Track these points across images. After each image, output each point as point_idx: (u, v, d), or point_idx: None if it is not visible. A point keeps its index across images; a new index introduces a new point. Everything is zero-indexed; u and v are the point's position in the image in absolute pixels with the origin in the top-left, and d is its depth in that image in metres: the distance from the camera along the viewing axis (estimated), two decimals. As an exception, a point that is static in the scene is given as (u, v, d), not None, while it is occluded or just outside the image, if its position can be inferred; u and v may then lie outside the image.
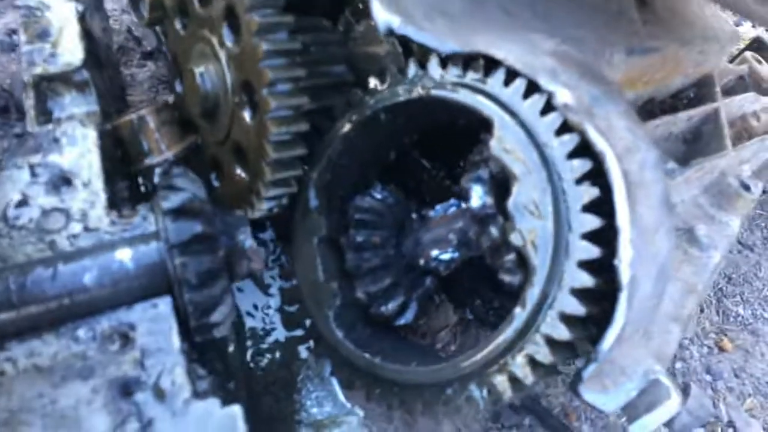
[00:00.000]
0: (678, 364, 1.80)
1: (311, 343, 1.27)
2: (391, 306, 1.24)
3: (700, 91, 1.67)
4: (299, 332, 1.28)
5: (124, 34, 1.86)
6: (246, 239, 1.01)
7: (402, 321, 1.27)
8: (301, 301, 1.29)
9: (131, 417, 0.87)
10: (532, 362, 1.00)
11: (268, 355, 1.26)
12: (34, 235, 1.01)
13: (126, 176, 1.32)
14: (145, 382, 0.90)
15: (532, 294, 0.99)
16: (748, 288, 1.99)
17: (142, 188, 1.39)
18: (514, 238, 1.01)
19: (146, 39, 1.87)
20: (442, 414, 1.07)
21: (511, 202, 1.01)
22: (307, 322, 1.27)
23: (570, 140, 0.99)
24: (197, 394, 0.90)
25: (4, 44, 1.72)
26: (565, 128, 1.00)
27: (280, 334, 1.29)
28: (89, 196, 1.06)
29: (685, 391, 1.59)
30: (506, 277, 1.11)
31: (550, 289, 0.99)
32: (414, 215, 1.33)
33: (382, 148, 1.32)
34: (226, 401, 0.89)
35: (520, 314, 1.00)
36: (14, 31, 1.75)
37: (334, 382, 1.21)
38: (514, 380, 1.02)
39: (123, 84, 1.65)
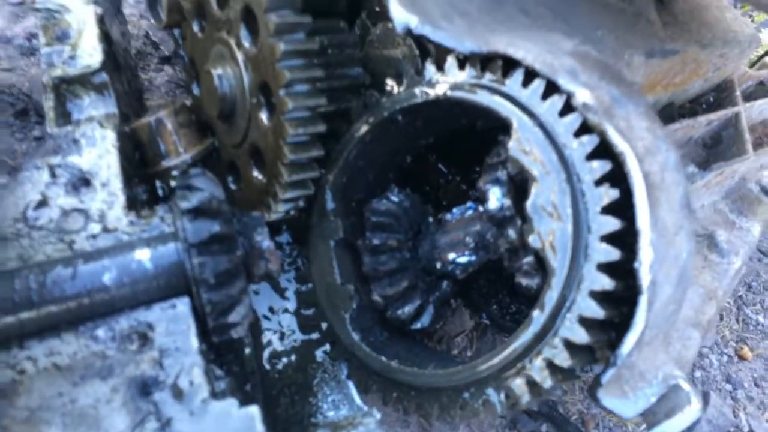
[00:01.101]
0: (697, 373, 1.77)
1: (327, 346, 1.26)
2: (408, 309, 1.23)
3: (719, 96, 1.66)
4: (315, 335, 1.28)
5: (142, 39, 1.88)
6: (263, 240, 1.01)
7: (418, 325, 1.26)
8: (317, 305, 1.28)
9: (150, 416, 0.87)
10: (551, 366, 0.99)
11: (285, 358, 1.25)
12: (54, 235, 1.02)
13: (144, 179, 1.32)
14: (164, 381, 0.90)
15: (551, 297, 0.98)
16: (768, 295, 1.96)
17: (160, 192, 1.40)
18: (533, 240, 1.00)
19: (164, 44, 1.88)
20: (459, 418, 1.06)
21: (529, 204, 1.00)
22: (324, 326, 1.26)
23: (589, 141, 0.98)
24: (215, 395, 0.90)
25: (23, 48, 1.74)
26: (584, 129, 0.99)
27: (296, 337, 1.29)
28: (108, 196, 1.07)
29: (704, 399, 1.57)
30: (524, 281, 1.10)
31: (569, 292, 0.98)
32: (430, 219, 1.33)
33: (398, 151, 1.31)
34: (243, 402, 0.89)
35: (538, 317, 0.99)
36: (34, 35, 1.78)
37: (351, 385, 1.20)
38: (533, 384, 1.01)
39: (141, 88, 1.66)
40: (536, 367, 0.99)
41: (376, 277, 1.23)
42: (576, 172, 0.98)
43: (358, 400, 1.18)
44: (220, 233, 0.93)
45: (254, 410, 0.88)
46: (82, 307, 0.92)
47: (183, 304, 0.96)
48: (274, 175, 1.15)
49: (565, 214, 0.98)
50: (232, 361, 1.12)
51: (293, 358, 1.26)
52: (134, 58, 1.76)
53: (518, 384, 1.01)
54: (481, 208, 1.23)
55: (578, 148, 0.99)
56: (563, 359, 0.98)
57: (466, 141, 1.41)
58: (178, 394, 0.89)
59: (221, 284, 0.93)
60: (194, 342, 0.93)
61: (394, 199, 1.28)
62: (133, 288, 0.94)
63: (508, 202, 1.07)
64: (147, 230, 1.02)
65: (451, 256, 1.23)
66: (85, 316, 0.93)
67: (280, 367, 1.24)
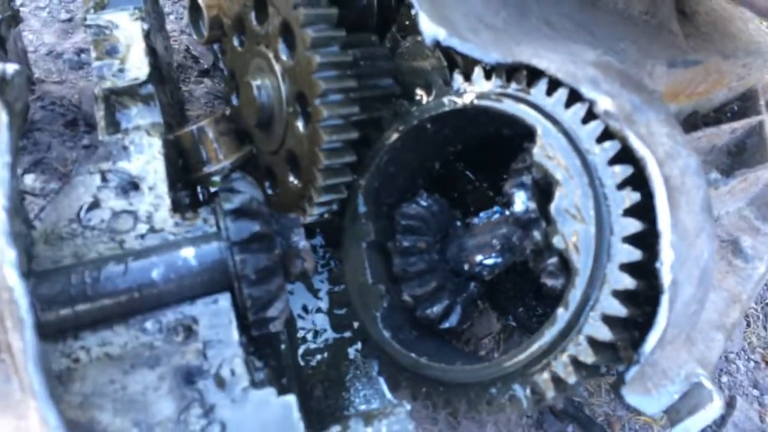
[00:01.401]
0: (724, 378, 1.78)
1: (359, 344, 1.31)
2: (437, 309, 1.28)
3: (743, 105, 1.68)
4: (347, 334, 1.33)
5: (182, 53, 1.97)
6: (300, 240, 1.07)
7: (446, 324, 1.31)
8: (349, 304, 1.34)
9: (195, 403, 0.93)
10: (575, 362, 1.02)
11: (318, 355, 1.31)
12: (106, 234, 1.09)
13: (187, 185, 1.40)
14: (207, 371, 0.96)
15: (575, 295, 1.02)
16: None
17: (201, 197, 1.48)
18: (557, 242, 1.04)
19: (203, 57, 1.97)
20: (486, 413, 1.10)
21: (553, 207, 1.04)
22: (355, 325, 1.32)
23: (611, 147, 1.02)
24: (255, 384, 0.96)
25: (72, 62, 1.84)
26: (606, 135, 1.03)
27: (329, 335, 1.34)
28: (155, 199, 1.14)
29: (731, 404, 1.59)
30: (549, 281, 1.14)
31: (592, 291, 1.01)
32: (458, 223, 1.37)
33: (427, 157, 1.37)
34: (280, 393, 0.95)
35: (562, 315, 1.03)
36: (83, 51, 1.88)
37: (381, 381, 1.25)
38: (557, 380, 1.04)
39: (182, 99, 1.75)
40: (561, 364, 1.03)
41: (405, 277, 1.28)
42: (599, 177, 1.02)
43: (388, 394, 1.23)
44: (260, 232, 1.00)
45: (291, 399, 0.93)
46: (133, 301, 0.99)
47: (224, 300, 1.02)
48: (310, 179, 1.21)
49: (588, 216, 1.02)
50: (269, 356, 1.18)
51: (326, 355, 1.32)
52: (176, 71, 1.85)
53: (544, 379, 1.04)
54: (507, 212, 1.27)
55: (601, 153, 1.03)
56: (587, 356, 1.01)
57: (493, 149, 1.45)
58: (220, 382, 0.95)
59: (261, 280, 0.99)
60: (235, 335, 0.99)
61: (424, 203, 1.33)
62: (179, 284, 1.00)
63: (532, 205, 1.12)
64: (191, 230, 1.09)
65: (479, 257, 1.27)
66: (134, 309, 0.99)
67: (313, 363, 1.30)
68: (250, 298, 0.99)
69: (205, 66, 1.95)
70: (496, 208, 1.30)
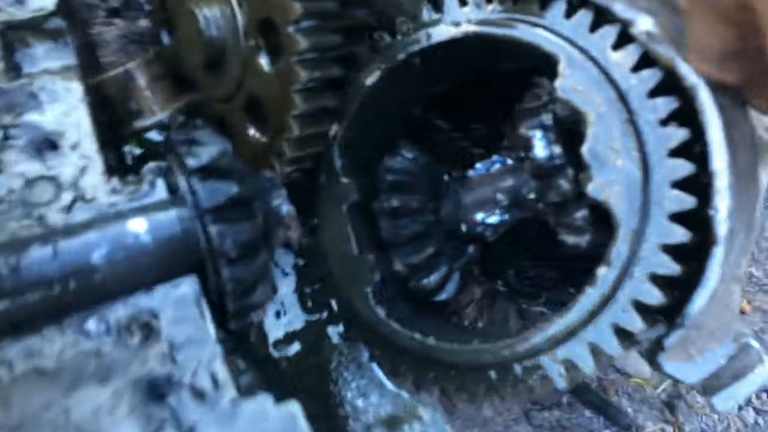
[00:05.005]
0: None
1: (341, 326, 1.11)
2: (433, 278, 1.10)
3: None
4: (325, 315, 1.12)
5: (85, -10, 1.64)
6: (282, 204, 0.85)
7: (444, 296, 1.13)
8: (324, 279, 1.13)
9: (166, 424, 0.71)
10: (618, 331, 0.88)
11: (295, 343, 1.09)
12: (18, 209, 0.83)
13: (110, 144, 1.13)
14: (179, 380, 0.74)
15: (619, 252, 0.87)
16: (756, 248, 1.93)
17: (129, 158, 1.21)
18: (592, 190, 0.88)
19: (111, -5, 1.65)
20: (510, 396, 0.93)
21: (586, 149, 0.88)
22: (334, 303, 1.10)
23: (650, 76, 0.87)
24: (241, 391, 0.74)
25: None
26: (642, 63, 0.87)
27: (302, 318, 1.13)
28: (80, 160, 0.89)
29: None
30: (570, 238, 0.99)
31: (637, 247, 0.86)
32: (445, 177, 1.19)
33: (408, 100, 1.16)
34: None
35: (605, 276, 0.87)
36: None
37: (375, 368, 1.05)
38: (597, 351, 0.89)
39: (93, 42, 1.44)
40: (602, 333, 0.88)
41: (397, 243, 1.09)
42: (637, 111, 0.87)
43: (389, 384, 1.03)
44: (238, 196, 0.77)
45: (295, 407, 0.73)
46: (67, 294, 0.75)
47: (190, 285, 0.79)
48: (281, 129, 0.98)
49: (631, 158, 0.86)
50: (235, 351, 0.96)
51: (303, 342, 1.10)
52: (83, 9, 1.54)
53: (581, 353, 0.89)
54: (509, 161, 1.10)
55: (638, 84, 0.87)
56: (633, 323, 0.87)
57: (469, 92, 1.27)
58: (198, 394, 0.73)
59: (243, 257, 0.77)
60: (211, 329, 0.77)
61: (409, 155, 1.14)
62: (128, 267, 0.78)
63: (557, 149, 0.95)
64: (135, 198, 0.84)
65: (479, 216, 1.10)
66: (70, 304, 0.76)
67: (290, 354, 1.08)
68: (231, 280, 0.76)
69: (115, 4, 1.64)
70: (495, 158, 1.12)
